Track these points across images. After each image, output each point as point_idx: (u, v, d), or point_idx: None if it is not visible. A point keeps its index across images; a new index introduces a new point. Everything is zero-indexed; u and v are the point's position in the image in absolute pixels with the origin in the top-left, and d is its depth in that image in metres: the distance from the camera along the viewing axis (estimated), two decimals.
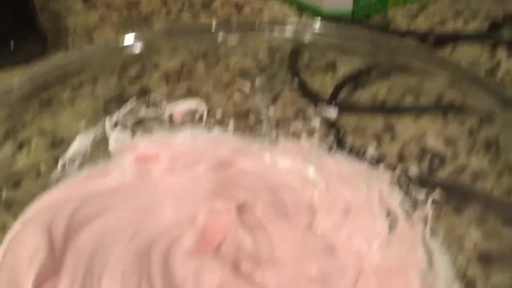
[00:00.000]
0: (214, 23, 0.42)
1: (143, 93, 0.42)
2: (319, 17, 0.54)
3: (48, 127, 0.39)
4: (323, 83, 0.42)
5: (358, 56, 0.39)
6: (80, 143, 0.39)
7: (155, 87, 0.42)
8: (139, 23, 0.58)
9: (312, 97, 0.39)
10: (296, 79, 0.41)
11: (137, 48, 0.40)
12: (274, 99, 0.42)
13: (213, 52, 0.44)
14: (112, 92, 0.41)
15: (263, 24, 0.41)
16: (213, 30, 0.40)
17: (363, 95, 0.40)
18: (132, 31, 0.40)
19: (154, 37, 0.41)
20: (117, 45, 0.39)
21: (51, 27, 0.56)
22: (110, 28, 0.57)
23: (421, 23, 0.53)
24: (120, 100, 0.41)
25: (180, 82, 0.43)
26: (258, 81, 0.42)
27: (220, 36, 0.40)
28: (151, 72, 0.43)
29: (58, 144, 0.39)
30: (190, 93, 0.42)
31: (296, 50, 0.42)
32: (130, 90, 0.42)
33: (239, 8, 0.60)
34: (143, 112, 0.41)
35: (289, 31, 0.39)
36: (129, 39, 0.39)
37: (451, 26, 0.53)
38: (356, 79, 0.40)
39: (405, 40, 0.49)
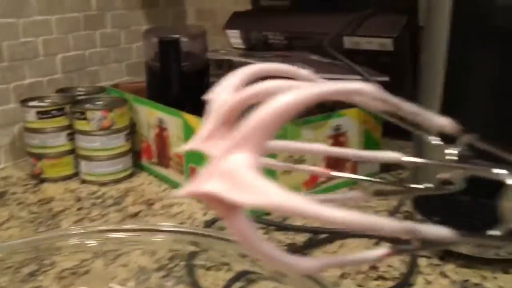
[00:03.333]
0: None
1: None
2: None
3: None
4: (216, 279, 0.44)
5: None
6: None
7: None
8: (47, 220, 0.59)
9: None
10: (191, 276, 0.42)
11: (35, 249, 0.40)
12: None
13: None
14: None
15: (164, 226, 0.44)
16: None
17: None
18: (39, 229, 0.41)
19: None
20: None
21: None
22: (17, 225, 0.58)
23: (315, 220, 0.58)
24: None
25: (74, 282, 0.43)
26: (154, 278, 0.43)
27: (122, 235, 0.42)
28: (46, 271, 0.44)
29: None
30: None
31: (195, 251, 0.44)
32: None
33: (149, 204, 0.63)
34: None
35: (188, 235, 0.42)
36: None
37: None
38: (247, 276, 0.42)
39: None
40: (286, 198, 0.13)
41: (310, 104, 0.14)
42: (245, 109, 0.17)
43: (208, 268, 0.46)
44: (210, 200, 0.14)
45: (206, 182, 0.14)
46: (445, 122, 0.17)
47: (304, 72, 0.21)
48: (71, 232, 0.40)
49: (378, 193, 0.23)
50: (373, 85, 0.15)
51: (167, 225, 0.45)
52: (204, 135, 0.18)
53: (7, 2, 0.73)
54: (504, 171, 0.20)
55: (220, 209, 0.14)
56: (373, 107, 0.16)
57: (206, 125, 0.18)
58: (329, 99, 0.15)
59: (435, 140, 0.19)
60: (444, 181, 0.23)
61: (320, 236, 0.54)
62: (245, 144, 0.14)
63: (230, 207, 0.14)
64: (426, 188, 0.24)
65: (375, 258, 0.15)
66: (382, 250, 0.15)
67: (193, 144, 0.18)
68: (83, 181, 0.69)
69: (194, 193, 0.15)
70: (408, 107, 0.16)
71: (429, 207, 0.52)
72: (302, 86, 0.14)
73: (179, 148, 0.19)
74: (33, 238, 0.39)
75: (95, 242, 0.41)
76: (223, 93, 0.18)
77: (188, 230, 0.40)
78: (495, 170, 0.20)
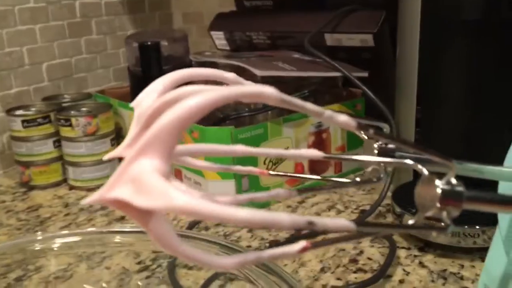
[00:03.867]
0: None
1: None
2: None
3: None
4: (197, 278, 0.44)
5: None
6: None
7: None
8: (35, 226, 0.60)
9: None
10: (171, 276, 0.43)
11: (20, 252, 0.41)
12: None
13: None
14: None
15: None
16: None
17: None
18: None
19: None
20: None
21: None
22: (5, 233, 0.59)
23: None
24: None
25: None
26: (136, 280, 0.44)
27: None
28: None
29: None
30: None
31: None
32: None
33: None
34: None
35: None
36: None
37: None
38: (227, 274, 0.43)
39: None
40: (188, 200, 0.14)
41: (213, 107, 0.15)
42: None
43: (190, 268, 0.47)
44: (117, 206, 0.15)
45: (113, 188, 0.15)
46: (345, 119, 0.17)
47: (229, 75, 0.21)
48: (55, 234, 0.41)
49: (302, 191, 0.23)
50: (273, 88, 0.16)
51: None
52: (126, 141, 0.18)
53: None
54: (411, 162, 0.21)
55: (131, 213, 0.15)
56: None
57: (131, 130, 0.19)
58: (234, 100, 0.15)
59: (365, 136, 0.20)
60: (371, 174, 0.23)
61: (303, 232, 0.55)
62: (150, 149, 0.15)
63: (143, 212, 0.15)
64: (354, 182, 0.24)
65: (294, 253, 0.15)
66: (301, 244, 0.16)
67: (117, 151, 0.19)
68: (71, 187, 0.70)
69: (101, 200, 0.15)
70: (310, 107, 0.17)
71: (407, 199, 0.53)
72: (211, 90, 0.15)
73: (109, 156, 0.19)
74: (18, 241, 0.40)
75: (79, 244, 0.42)
76: (147, 99, 0.19)
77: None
78: (407, 161, 0.21)
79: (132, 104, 0.20)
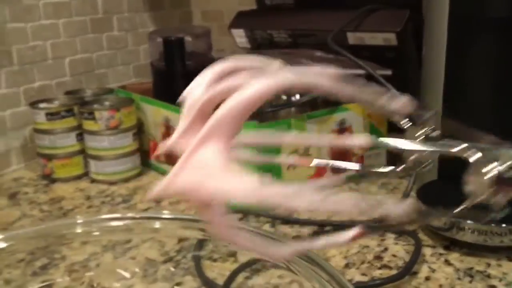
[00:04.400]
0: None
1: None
2: None
3: None
4: (223, 269, 0.44)
5: None
6: None
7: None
8: (58, 217, 0.60)
9: (209, 284, 0.41)
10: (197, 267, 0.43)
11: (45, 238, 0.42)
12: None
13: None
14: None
15: (173, 214, 0.45)
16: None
17: (258, 281, 0.42)
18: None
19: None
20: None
21: None
22: (28, 223, 0.59)
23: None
24: None
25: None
26: (161, 270, 0.44)
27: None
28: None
29: None
30: None
31: (202, 240, 0.45)
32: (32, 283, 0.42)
33: (157, 202, 0.64)
34: None
35: (196, 225, 0.43)
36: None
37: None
38: (252, 266, 0.43)
39: None
40: (259, 187, 0.14)
41: (270, 94, 0.15)
42: (218, 104, 0.18)
43: (215, 260, 0.47)
44: (183, 195, 0.15)
45: (178, 177, 0.15)
46: (405, 100, 0.17)
47: (276, 64, 0.21)
48: (79, 220, 0.41)
49: (351, 178, 0.23)
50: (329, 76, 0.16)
51: (175, 213, 0.46)
52: (180, 131, 0.19)
53: (15, 7, 0.75)
54: (463, 147, 0.20)
55: (195, 202, 0.15)
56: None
57: (182, 122, 0.19)
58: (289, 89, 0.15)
59: (406, 123, 0.19)
60: (415, 163, 0.23)
61: (326, 229, 0.54)
62: (213, 136, 0.15)
63: (204, 201, 0.15)
64: (391, 171, 0.24)
65: (348, 239, 0.15)
66: (354, 230, 0.16)
67: (171, 142, 0.19)
68: (93, 180, 0.70)
69: (168, 189, 0.15)
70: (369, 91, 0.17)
71: (433, 198, 0.52)
72: (261, 80, 0.15)
73: (160, 148, 0.19)
74: (42, 227, 0.41)
75: (102, 231, 0.42)
76: (197, 90, 0.19)
77: (197, 218, 0.40)
78: (456, 148, 0.21)
79: (182, 97, 0.20)
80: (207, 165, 0.15)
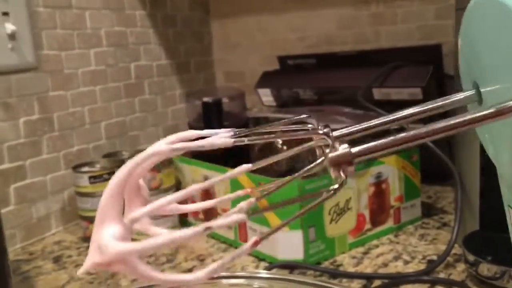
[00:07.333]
0: None
1: None
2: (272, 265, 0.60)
3: None
4: None
5: None
6: None
7: None
8: (107, 279, 0.61)
9: None
10: None
11: None
12: None
13: None
14: None
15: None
16: None
17: None
18: None
19: None
20: None
21: None
22: (79, 286, 0.60)
23: (366, 266, 0.59)
24: None
25: None
26: None
27: None
28: None
29: None
30: None
31: None
32: None
33: (201, 260, 0.65)
34: None
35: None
36: None
37: (393, 266, 0.59)
38: None
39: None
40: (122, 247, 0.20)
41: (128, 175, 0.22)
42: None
43: None
44: (99, 268, 0.21)
45: (89, 257, 0.21)
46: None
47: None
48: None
49: (254, 212, 0.24)
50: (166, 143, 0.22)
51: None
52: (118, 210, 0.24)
53: (57, 76, 0.78)
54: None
55: (117, 270, 0.21)
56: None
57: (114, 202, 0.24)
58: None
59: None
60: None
61: (374, 283, 0.55)
62: (105, 217, 0.21)
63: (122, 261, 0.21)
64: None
65: (248, 248, 0.21)
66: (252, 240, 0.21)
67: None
68: (134, 240, 0.71)
69: (88, 268, 0.21)
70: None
71: (479, 248, 0.53)
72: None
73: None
74: None
75: None
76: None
77: (281, 277, 0.42)
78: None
79: None
80: (101, 244, 0.21)
